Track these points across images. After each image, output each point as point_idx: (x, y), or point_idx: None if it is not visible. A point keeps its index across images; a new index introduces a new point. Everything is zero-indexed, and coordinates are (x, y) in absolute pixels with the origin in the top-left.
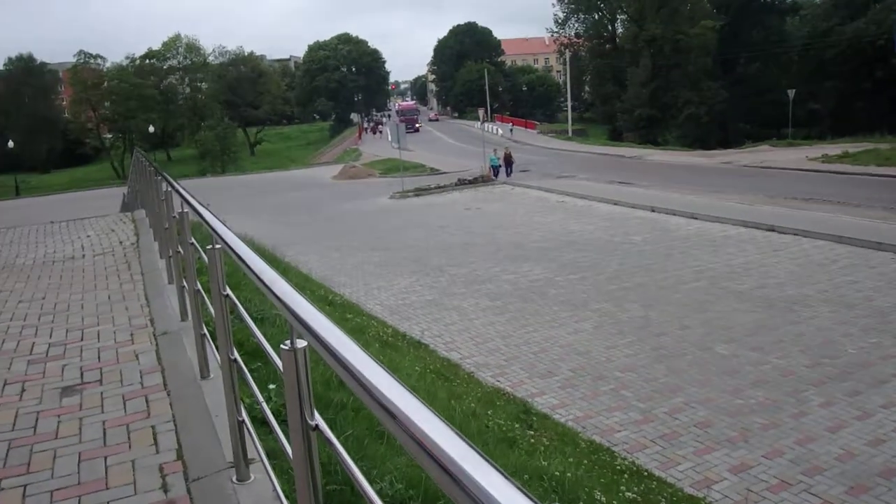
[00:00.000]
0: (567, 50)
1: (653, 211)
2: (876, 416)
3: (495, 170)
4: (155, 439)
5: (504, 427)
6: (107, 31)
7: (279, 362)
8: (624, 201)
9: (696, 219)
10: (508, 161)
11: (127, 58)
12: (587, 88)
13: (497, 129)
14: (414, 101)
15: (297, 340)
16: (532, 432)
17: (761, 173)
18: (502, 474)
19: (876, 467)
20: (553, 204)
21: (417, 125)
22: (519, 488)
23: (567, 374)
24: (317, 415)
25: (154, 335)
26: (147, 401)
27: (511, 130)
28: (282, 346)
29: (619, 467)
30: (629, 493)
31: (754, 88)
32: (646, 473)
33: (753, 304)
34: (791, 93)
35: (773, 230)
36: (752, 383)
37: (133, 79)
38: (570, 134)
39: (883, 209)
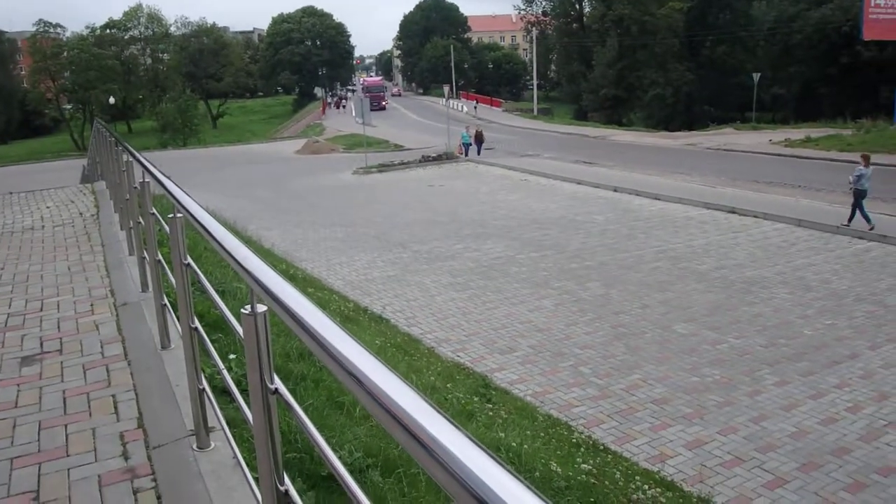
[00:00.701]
0: (534, 28)
1: (616, 191)
2: (829, 395)
3: (466, 147)
4: (115, 408)
5: (463, 401)
6: (67, 1)
7: (240, 329)
8: (587, 181)
9: (658, 200)
10: (479, 139)
11: (87, 27)
12: (553, 67)
13: (462, 107)
14: (381, 77)
15: (258, 305)
16: (491, 406)
17: (725, 156)
18: (466, 435)
19: (828, 445)
20: (517, 182)
21: (384, 102)
22: (483, 449)
23: (527, 350)
24: (276, 379)
25: (114, 306)
26: (108, 370)
27: (475, 107)
28: (242, 310)
29: (575, 441)
30: (585, 465)
31: (720, 71)
32: (602, 447)
33: (713, 285)
34: (756, 76)
35: (734, 212)
36: (709, 362)
37: (93, 49)
38: (535, 112)
39: (843, 194)
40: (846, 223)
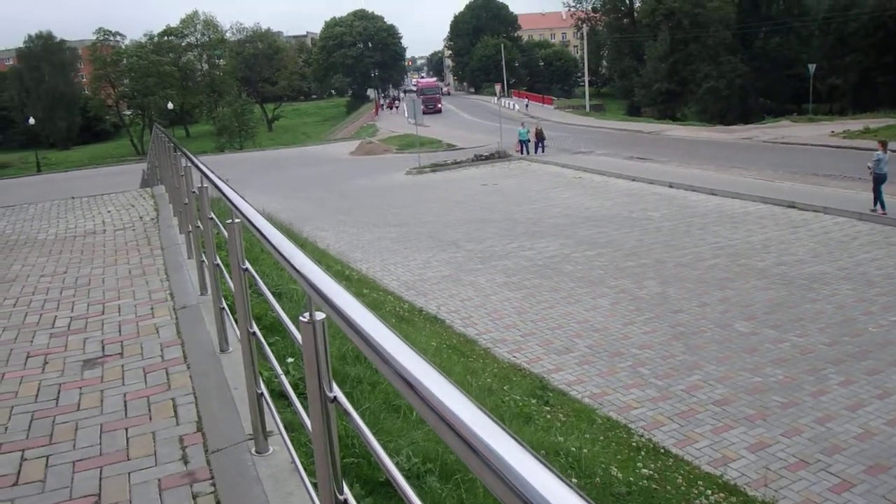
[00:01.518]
0: (584, 24)
1: (671, 187)
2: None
3: (523, 144)
4: (175, 411)
5: (520, 403)
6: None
7: (298, 335)
8: (642, 177)
9: (715, 195)
10: (540, 137)
11: (145, 35)
12: (605, 63)
13: (513, 105)
14: (435, 78)
15: (316, 313)
16: (548, 408)
17: (782, 149)
18: (522, 445)
19: (895, 446)
20: (570, 180)
21: (439, 105)
22: (538, 459)
23: (584, 350)
24: (335, 387)
25: (174, 309)
26: (167, 374)
27: (527, 106)
28: (300, 318)
29: (635, 444)
30: (646, 470)
31: (774, 63)
32: (663, 451)
33: (773, 282)
34: (812, 67)
35: (793, 206)
36: (771, 361)
37: (151, 56)
38: (587, 109)
39: None
40: (872, 209)
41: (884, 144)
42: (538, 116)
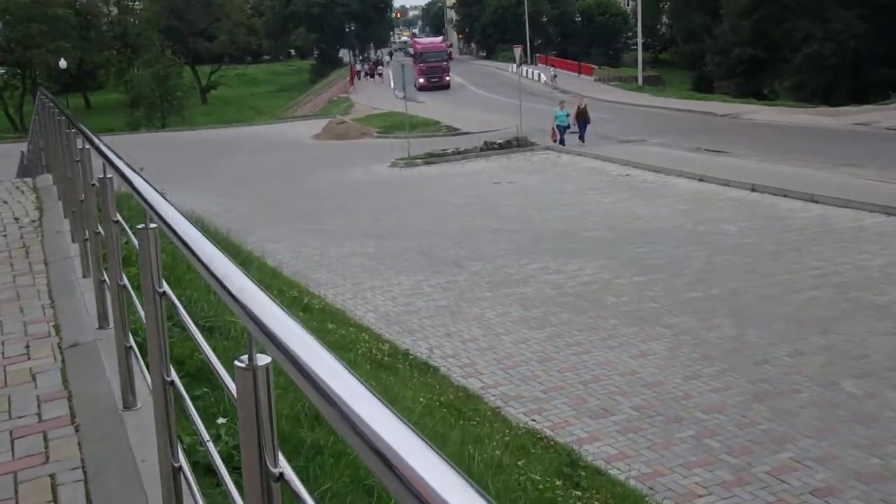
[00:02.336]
0: None
1: (754, 190)
2: None
3: (561, 130)
4: (55, 495)
5: (541, 486)
6: None
7: (232, 386)
8: (713, 176)
9: (816, 202)
10: (583, 118)
11: None
12: (665, 20)
13: (539, 74)
14: (441, 38)
15: (259, 356)
16: (580, 493)
17: None
18: None
19: None
20: (614, 178)
21: (447, 77)
22: None
23: (629, 413)
24: (282, 459)
25: (59, 347)
26: (46, 439)
27: (554, 77)
28: (236, 362)
29: None
30: None
31: None
32: None
33: None
34: None
35: None
36: None
37: None
38: (640, 83)
39: None
40: None
41: None
42: (571, 91)
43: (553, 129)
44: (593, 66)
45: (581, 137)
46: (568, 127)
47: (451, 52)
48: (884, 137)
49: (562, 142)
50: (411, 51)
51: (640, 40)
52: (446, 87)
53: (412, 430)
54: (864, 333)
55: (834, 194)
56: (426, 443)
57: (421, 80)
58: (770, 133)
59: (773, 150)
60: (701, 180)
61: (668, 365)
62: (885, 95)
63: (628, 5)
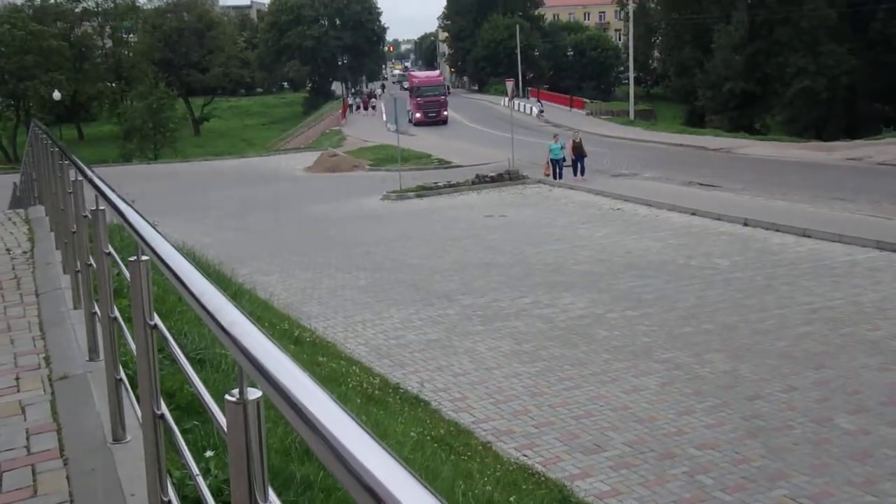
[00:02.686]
0: (630, 0)
1: (746, 224)
2: None
3: (556, 164)
4: None
5: None
6: None
7: (222, 419)
8: (705, 210)
9: (808, 237)
10: (579, 152)
11: None
12: (657, 54)
13: (529, 108)
14: (438, 72)
15: (249, 389)
16: None
17: None
18: None
19: None
20: (606, 212)
21: (444, 112)
22: None
23: (622, 448)
24: (272, 494)
25: (49, 380)
26: (34, 473)
27: (541, 112)
28: (227, 396)
29: None
30: None
31: None
32: None
33: (892, 360)
34: None
35: None
36: (891, 473)
37: (31, 24)
38: (632, 116)
39: None
40: None
41: None
42: (562, 125)
43: (547, 162)
44: (585, 99)
45: (580, 171)
46: (563, 160)
47: (449, 87)
48: (876, 172)
49: (558, 175)
50: (406, 85)
51: (631, 74)
52: (444, 121)
53: (403, 465)
54: (857, 369)
55: (826, 229)
56: (416, 479)
57: (418, 115)
58: (762, 167)
59: (765, 185)
60: (693, 214)
61: (661, 400)
62: (878, 130)
63: (620, 40)
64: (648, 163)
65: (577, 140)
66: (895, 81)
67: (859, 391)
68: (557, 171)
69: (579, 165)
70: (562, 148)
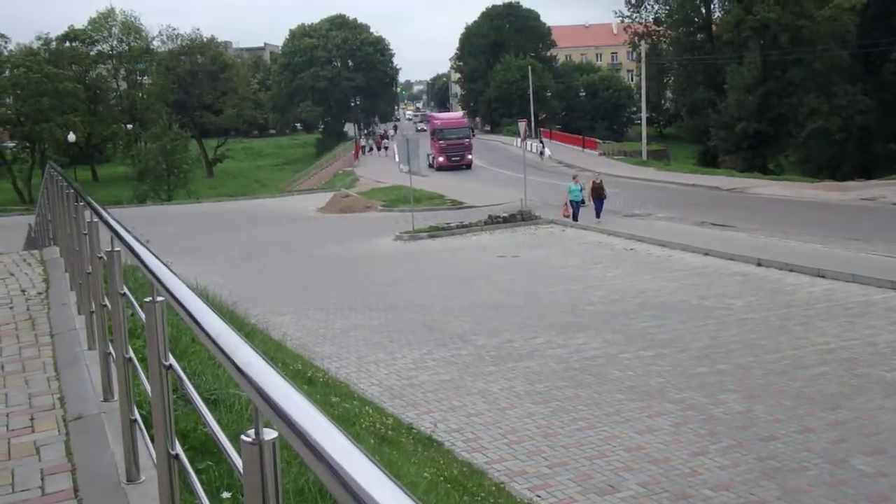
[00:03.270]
0: (643, 41)
1: (760, 265)
2: None
3: (574, 206)
4: None
5: None
6: (13, 4)
7: (238, 460)
8: (719, 250)
9: (822, 277)
10: (599, 194)
11: (39, 38)
12: (669, 95)
13: (539, 148)
14: (461, 114)
15: (265, 430)
16: None
17: None
18: None
19: None
20: (619, 252)
21: (469, 155)
22: None
23: (636, 489)
24: None
25: (64, 420)
26: None
27: (543, 151)
28: (243, 437)
29: None
30: None
31: None
32: None
33: None
34: None
35: None
36: None
37: (47, 68)
38: (644, 157)
39: None
40: None
41: None
42: (574, 165)
43: (566, 203)
44: (597, 140)
45: (597, 214)
46: (583, 202)
47: (473, 128)
48: (891, 212)
49: (575, 217)
50: (425, 127)
51: (644, 114)
52: (468, 166)
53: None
54: (873, 410)
55: (841, 269)
56: None
57: (441, 159)
58: (776, 207)
59: (779, 225)
60: (706, 254)
61: (675, 441)
62: (892, 170)
63: (632, 80)
64: (661, 203)
65: (598, 182)
66: None
67: (876, 432)
68: (575, 212)
69: (598, 208)
70: (581, 189)
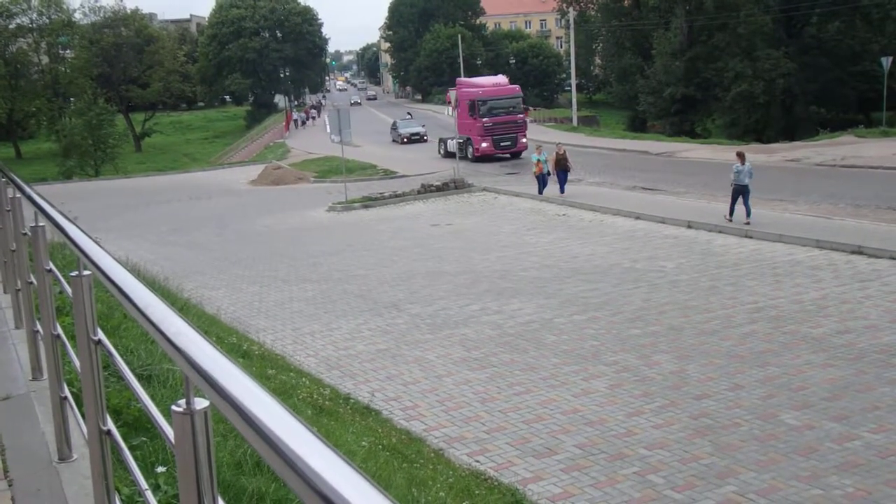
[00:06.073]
0: (571, 8)
1: (690, 227)
2: None
3: (540, 180)
4: None
5: None
6: None
7: (170, 432)
8: (650, 214)
9: (750, 237)
10: (563, 166)
11: None
12: (598, 61)
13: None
14: (506, 78)
15: (196, 399)
16: None
17: (843, 174)
18: None
19: None
20: (551, 218)
21: (523, 138)
22: None
23: (573, 451)
24: None
25: None
26: None
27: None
28: (173, 407)
29: None
30: None
31: (833, 57)
32: None
33: (834, 356)
34: (887, 62)
35: (859, 252)
36: (836, 467)
37: None
38: (575, 123)
39: None
40: (728, 217)
41: (741, 156)
42: None
43: (538, 161)
44: (528, 107)
45: (561, 188)
46: (548, 173)
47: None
48: (815, 173)
49: (540, 191)
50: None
51: (573, 81)
52: (519, 153)
53: (358, 471)
54: (801, 365)
55: (767, 229)
56: (373, 485)
57: (484, 145)
58: (704, 170)
59: (707, 188)
60: (637, 218)
61: (610, 402)
62: (815, 132)
63: (561, 47)
64: (592, 168)
65: (562, 153)
66: (829, 84)
67: (804, 387)
68: (540, 187)
69: (560, 181)
70: (545, 161)
